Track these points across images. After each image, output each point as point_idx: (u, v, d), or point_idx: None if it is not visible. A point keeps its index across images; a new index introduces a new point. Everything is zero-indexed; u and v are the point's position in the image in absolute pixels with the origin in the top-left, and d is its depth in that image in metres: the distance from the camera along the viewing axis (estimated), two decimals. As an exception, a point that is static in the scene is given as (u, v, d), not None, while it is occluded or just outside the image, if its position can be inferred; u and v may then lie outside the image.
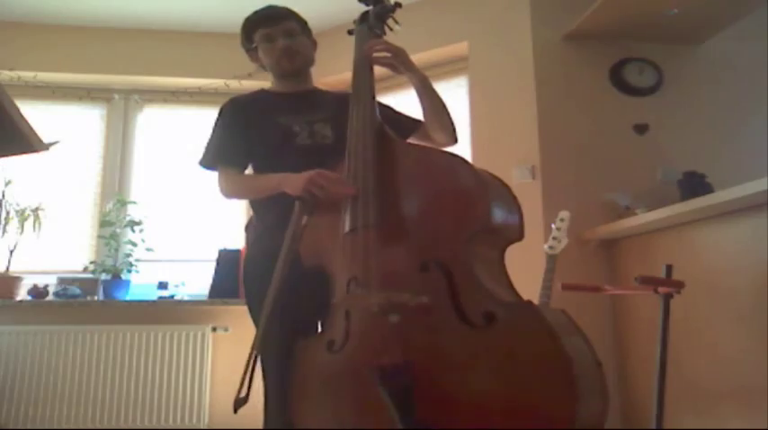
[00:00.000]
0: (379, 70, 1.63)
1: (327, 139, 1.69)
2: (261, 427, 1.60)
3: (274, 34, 1.75)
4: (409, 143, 1.55)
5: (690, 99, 3.01)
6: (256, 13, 1.80)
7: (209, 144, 1.78)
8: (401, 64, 1.62)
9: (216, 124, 1.79)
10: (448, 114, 1.74)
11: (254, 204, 1.79)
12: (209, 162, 1.78)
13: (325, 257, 1.48)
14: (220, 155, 1.76)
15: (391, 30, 1.72)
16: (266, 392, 1.60)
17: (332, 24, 3.04)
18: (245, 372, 1.37)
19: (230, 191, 1.76)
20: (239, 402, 1.35)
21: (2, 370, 3.03)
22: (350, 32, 1.76)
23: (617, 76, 3.00)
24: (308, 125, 1.71)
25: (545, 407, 1.10)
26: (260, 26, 1.77)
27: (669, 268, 1.81)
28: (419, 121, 1.79)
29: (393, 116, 1.80)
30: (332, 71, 2.01)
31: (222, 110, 1.79)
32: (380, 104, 1.76)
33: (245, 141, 1.72)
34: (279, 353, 1.52)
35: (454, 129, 1.76)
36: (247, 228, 1.79)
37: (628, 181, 2.84)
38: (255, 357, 1.39)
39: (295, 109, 1.75)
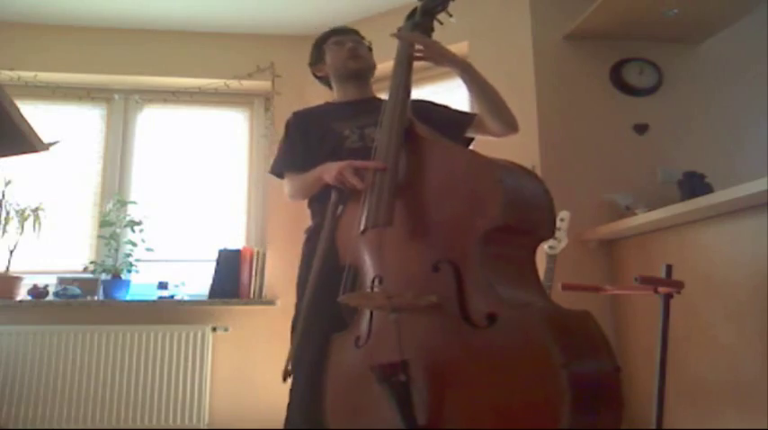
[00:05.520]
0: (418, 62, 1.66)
1: (376, 140, 1.72)
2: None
3: (344, 40, 1.96)
4: (436, 141, 1.47)
5: (690, 99, 3.01)
6: (328, 30, 2.04)
7: (276, 155, 1.98)
8: (438, 56, 1.66)
9: (282, 137, 1.98)
10: (500, 101, 1.75)
11: (309, 207, 1.91)
12: (274, 170, 1.97)
13: (355, 255, 1.49)
14: (283, 162, 1.93)
15: (441, 23, 1.74)
16: (293, 387, 1.67)
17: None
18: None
19: (292, 192, 1.90)
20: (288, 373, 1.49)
21: (2, 370, 3.03)
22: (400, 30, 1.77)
23: (617, 76, 3.00)
24: (359, 129, 1.80)
25: (531, 413, 1.06)
26: (332, 35, 1.99)
27: (669, 268, 1.80)
28: (472, 115, 1.82)
29: (442, 113, 1.85)
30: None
31: (287, 123, 1.98)
32: (429, 103, 1.88)
33: (304, 150, 1.87)
34: (313, 349, 1.56)
35: (511, 116, 1.76)
36: (306, 231, 1.90)
37: (628, 181, 2.84)
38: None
39: (349, 115, 1.85)
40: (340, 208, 1.56)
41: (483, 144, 3.05)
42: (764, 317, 1.88)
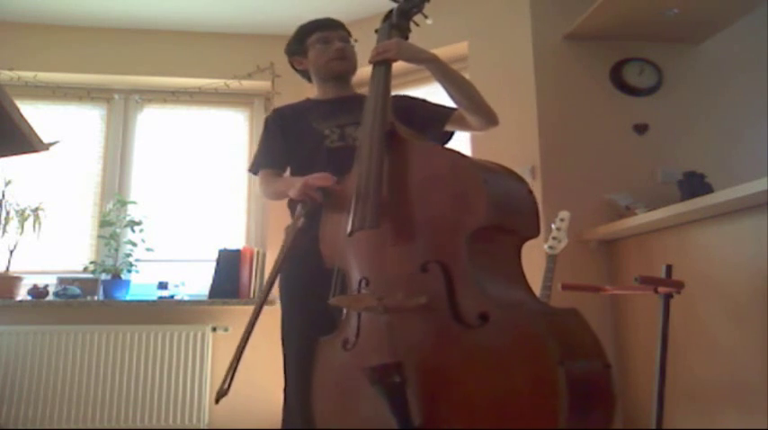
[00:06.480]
0: (402, 65, 1.65)
1: (358, 141, 1.70)
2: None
3: (331, 38, 1.87)
4: (418, 143, 1.47)
5: (690, 99, 3.01)
6: (313, 20, 1.94)
7: (256, 152, 1.94)
8: (401, 57, 1.62)
9: (262, 134, 1.94)
10: (475, 95, 1.72)
11: (288, 207, 1.87)
12: (252, 168, 1.93)
13: (341, 258, 1.49)
14: (261, 160, 1.90)
15: (417, 25, 1.73)
16: (286, 388, 1.68)
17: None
18: (230, 367, 1.43)
19: (264, 192, 1.89)
20: (221, 393, 1.42)
21: (2, 370, 3.04)
22: (377, 31, 1.76)
23: (617, 76, 3.00)
24: (340, 128, 1.79)
25: (525, 410, 1.05)
26: (317, 30, 1.89)
27: (669, 268, 1.81)
28: (452, 109, 1.79)
29: (421, 108, 1.84)
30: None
31: (266, 120, 1.95)
32: (407, 98, 1.87)
33: (283, 147, 1.86)
34: (299, 351, 1.58)
35: (488, 110, 1.73)
36: (285, 229, 1.89)
37: (628, 181, 2.84)
38: (241, 353, 1.44)
39: (330, 114, 1.83)
40: (301, 221, 1.59)
41: (484, 144, 3.06)
42: (764, 317, 1.88)
